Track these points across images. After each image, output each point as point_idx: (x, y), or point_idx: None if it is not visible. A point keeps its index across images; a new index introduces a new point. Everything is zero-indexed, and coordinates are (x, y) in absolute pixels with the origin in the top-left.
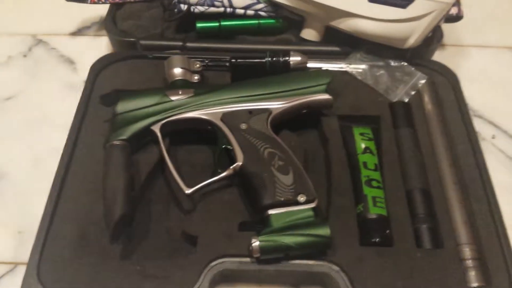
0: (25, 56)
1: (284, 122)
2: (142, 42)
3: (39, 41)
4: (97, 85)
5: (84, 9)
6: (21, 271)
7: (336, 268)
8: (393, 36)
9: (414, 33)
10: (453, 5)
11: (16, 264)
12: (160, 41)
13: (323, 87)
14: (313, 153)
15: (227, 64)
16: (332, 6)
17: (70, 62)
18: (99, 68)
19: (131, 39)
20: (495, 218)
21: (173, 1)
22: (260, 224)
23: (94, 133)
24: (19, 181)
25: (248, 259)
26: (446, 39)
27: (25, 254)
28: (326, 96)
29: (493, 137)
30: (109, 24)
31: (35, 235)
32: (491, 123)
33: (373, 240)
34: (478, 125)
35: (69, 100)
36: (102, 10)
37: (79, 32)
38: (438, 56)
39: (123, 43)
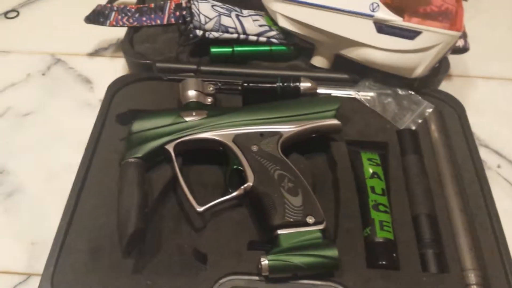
0: (43, 74)
1: (294, 145)
2: (158, 64)
3: (58, 60)
4: (114, 105)
5: (102, 31)
6: (34, 281)
7: None
8: (401, 66)
9: (421, 64)
10: (460, 37)
11: (29, 275)
12: (175, 64)
13: (333, 112)
14: (321, 176)
15: (239, 87)
16: (342, 36)
17: (87, 81)
18: (116, 88)
19: (147, 61)
20: (500, 245)
21: (189, 27)
22: (269, 243)
23: (109, 150)
24: (33, 195)
25: (256, 277)
26: (453, 69)
27: (38, 265)
28: (335, 122)
29: (499, 167)
30: (126, 46)
31: (47, 247)
32: (497, 152)
33: (380, 263)
34: (484, 154)
35: (85, 118)
36: (119, 32)
37: (96, 53)
38: (445, 86)
39: (139, 65)
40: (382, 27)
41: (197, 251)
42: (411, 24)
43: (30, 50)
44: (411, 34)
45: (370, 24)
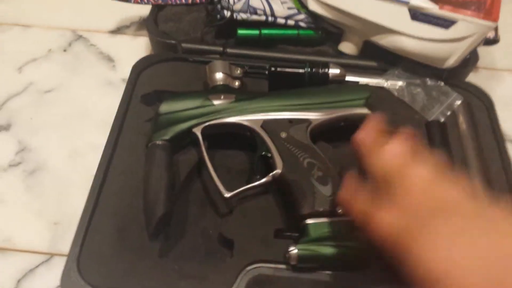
0: (65, 50)
1: (321, 133)
2: (184, 45)
3: (79, 37)
4: (138, 85)
5: (123, 8)
6: (57, 262)
7: (370, 281)
8: (434, 55)
9: (454, 54)
10: None
11: (51, 255)
12: (200, 45)
13: (362, 101)
14: (347, 166)
15: (266, 72)
16: (374, 22)
17: (109, 59)
18: (140, 68)
19: (172, 41)
20: None
21: (217, 7)
22: (296, 232)
23: (135, 131)
24: (56, 173)
25: (283, 266)
26: (480, 61)
27: (60, 245)
28: (365, 111)
29: None
30: (150, 25)
31: (70, 227)
32: None
33: None
34: (510, 150)
35: (107, 97)
36: (141, 10)
37: (118, 30)
38: (472, 78)
39: (164, 44)
40: (417, 14)
41: (223, 237)
42: (447, 12)
43: (51, 25)
44: (446, 23)
45: (404, 11)
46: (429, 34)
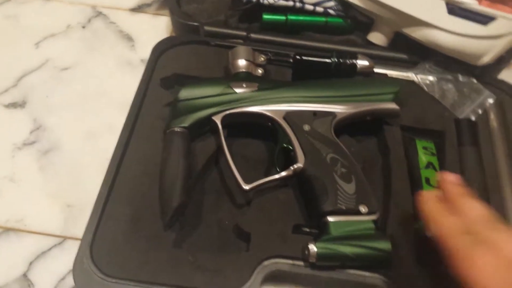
0: (83, 27)
1: (345, 127)
2: (206, 28)
3: (99, 13)
4: (158, 67)
5: None
6: (70, 245)
7: (390, 282)
8: (469, 52)
9: (490, 51)
10: None
11: (64, 238)
12: (224, 29)
13: (391, 96)
14: (371, 161)
15: (291, 60)
16: (408, 13)
17: (129, 38)
18: (161, 49)
19: (195, 23)
20: None
21: None
22: (316, 229)
23: (152, 115)
24: (71, 154)
25: (301, 263)
26: None
27: (74, 228)
28: (393, 106)
29: None
30: (173, 6)
31: (84, 210)
32: None
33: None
34: None
35: (125, 77)
36: None
37: (139, 8)
38: (505, 75)
39: (186, 26)
40: (454, 9)
41: (240, 229)
42: (486, 8)
43: (71, 0)
44: (484, 19)
45: (441, 4)
46: (466, 29)
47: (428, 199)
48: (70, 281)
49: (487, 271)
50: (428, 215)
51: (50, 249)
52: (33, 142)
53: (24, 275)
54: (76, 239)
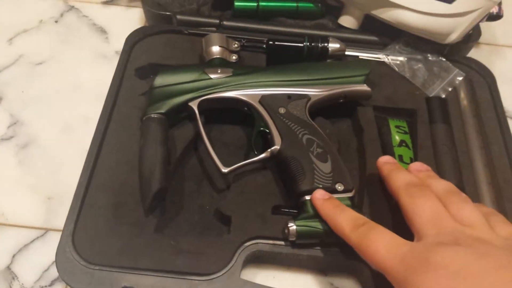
0: (56, 21)
1: (319, 109)
2: (179, 17)
3: (71, 7)
4: (132, 57)
5: None
6: (52, 237)
7: None
8: (436, 30)
9: (457, 29)
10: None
11: (46, 230)
12: (196, 17)
13: (362, 78)
14: (346, 142)
15: (264, 45)
16: None
17: (102, 31)
18: (134, 40)
19: (167, 13)
20: None
21: None
22: (295, 209)
23: (128, 105)
24: (49, 147)
25: (282, 242)
26: (482, 37)
27: (55, 220)
28: (365, 88)
29: None
30: None
31: (64, 202)
32: None
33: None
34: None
35: (100, 69)
36: None
37: (111, 1)
38: (473, 54)
39: (158, 16)
40: None
41: (220, 213)
42: None
43: None
44: None
45: None
46: (433, 8)
47: (386, 161)
48: (54, 272)
49: (425, 214)
50: (384, 175)
51: (32, 241)
52: (10, 137)
53: (8, 268)
54: (58, 230)
